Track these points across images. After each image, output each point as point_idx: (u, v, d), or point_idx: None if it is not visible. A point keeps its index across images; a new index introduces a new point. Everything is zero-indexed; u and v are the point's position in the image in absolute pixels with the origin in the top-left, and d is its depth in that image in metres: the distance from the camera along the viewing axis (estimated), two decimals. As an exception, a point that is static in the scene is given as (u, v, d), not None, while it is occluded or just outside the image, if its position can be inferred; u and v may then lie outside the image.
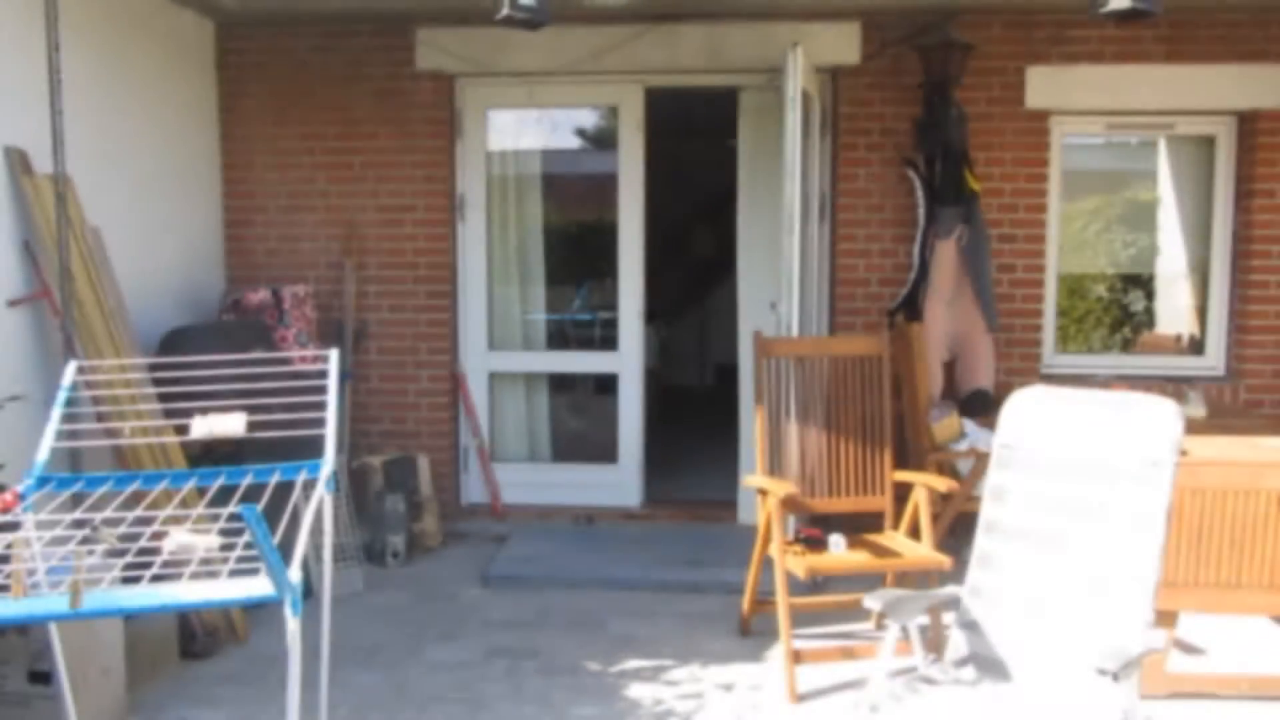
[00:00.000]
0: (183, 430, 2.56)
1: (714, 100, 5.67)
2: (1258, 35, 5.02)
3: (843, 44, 5.14)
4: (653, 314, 5.83)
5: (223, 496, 2.35)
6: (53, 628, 2.50)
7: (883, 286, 5.21)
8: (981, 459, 4.30)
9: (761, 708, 3.43)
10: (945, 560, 3.54)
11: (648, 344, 5.96)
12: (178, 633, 3.74)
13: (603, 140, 6.25)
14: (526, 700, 3.49)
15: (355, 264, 5.38)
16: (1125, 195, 5.69)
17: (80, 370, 2.74)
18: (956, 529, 4.49)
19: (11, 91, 3.74)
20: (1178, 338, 5.56)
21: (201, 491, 2.50)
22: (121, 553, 2.10)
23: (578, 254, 6.79)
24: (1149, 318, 5.75)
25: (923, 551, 3.66)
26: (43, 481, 2.42)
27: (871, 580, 3.99)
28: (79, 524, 2.17)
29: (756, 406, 4.00)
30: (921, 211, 5.00)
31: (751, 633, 4.01)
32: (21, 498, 2.30)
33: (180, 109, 5.04)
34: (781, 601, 3.57)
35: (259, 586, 1.91)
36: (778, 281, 4.66)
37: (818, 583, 4.34)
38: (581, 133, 6.56)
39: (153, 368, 3.88)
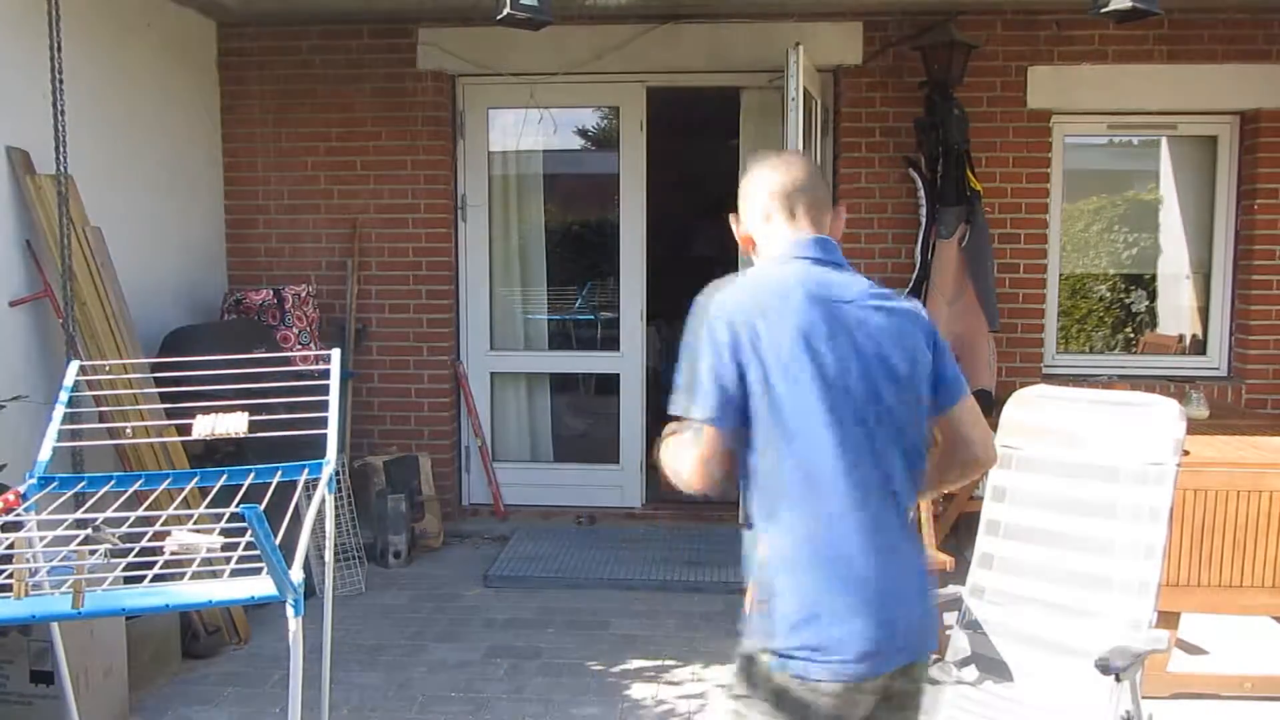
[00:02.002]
0: (185, 430, 2.56)
1: (716, 100, 5.68)
2: (1259, 35, 5.01)
3: (844, 44, 5.14)
4: (654, 314, 5.83)
5: (225, 496, 2.35)
6: (55, 628, 2.50)
7: (884, 286, 5.19)
8: (983, 459, 4.29)
9: (763, 708, 3.43)
10: (947, 560, 3.54)
11: (649, 344, 5.95)
12: (180, 632, 3.74)
13: (604, 140, 6.26)
14: (528, 700, 3.49)
15: (357, 264, 5.38)
16: (1127, 195, 5.69)
17: (82, 370, 2.74)
18: (958, 529, 4.48)
19: (13, 91, 3.74)
20: (1179, 338, 5.55)
21: (203, 491, 2.50)
22: (124, 552, 2.09)
23: (579, 254, 6.79)
24: (1151, 318, 5.74)
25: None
26: (45, 481, 2.42)
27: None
28: (81, 524, 2.16)
29: (758, 406, 4.00)
30: (923, 211, 5.00)
31: (753, 633, 4.01)
32: (24, 497, 2.30)
33: (182, 109, 5.04)
34: (783, 601, 3.56)
35: (261, 586, 1.91)
36: (779, 281, 4.65)
37: (819, 583, 4.33)
38: (583, 133, 6.57)
39: (155, 367, 3.88)
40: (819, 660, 1.61)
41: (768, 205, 1.78)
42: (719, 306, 1.68)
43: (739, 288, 1.71)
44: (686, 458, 1.72)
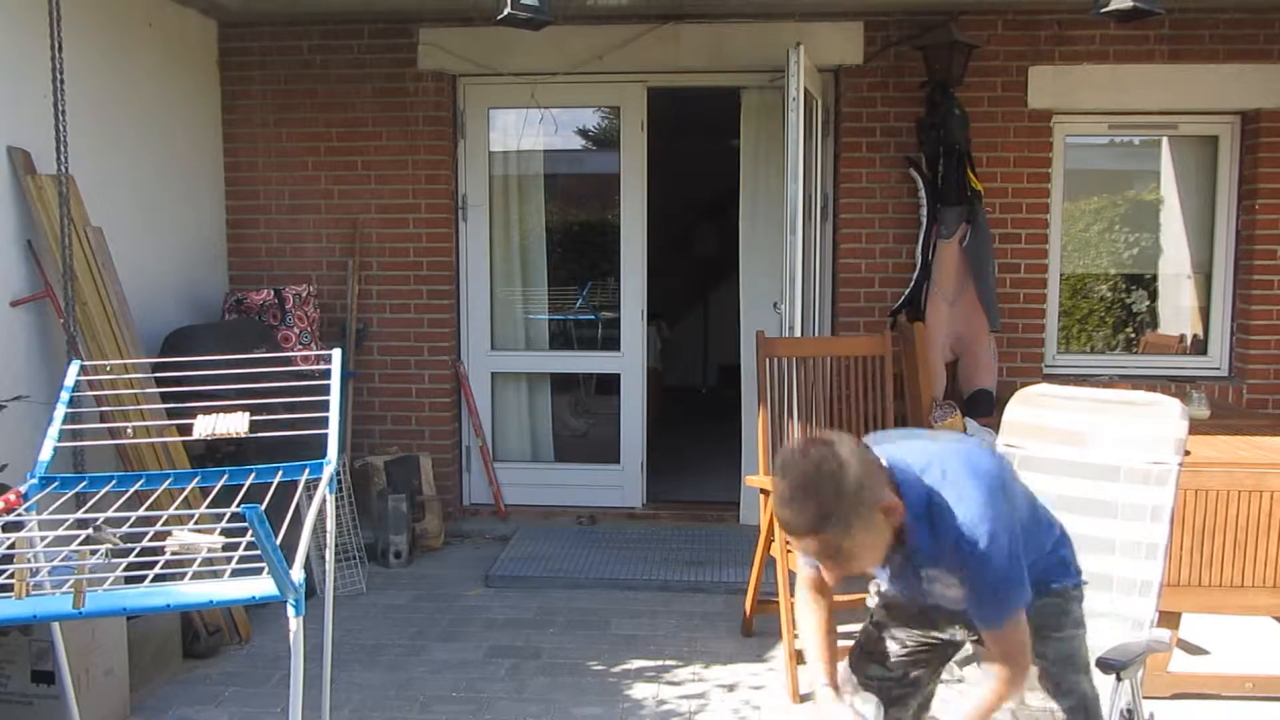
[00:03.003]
0: (185, 430, 2.56)
1: (716, 100, 5.68)
2: (1260, 35, 5.01)
3: (845, 44, 5.14)
4: (655, 314, 5.83)
5: (225, 496, 2.35)
6: (56, 627, 2.50)
7: (885, 286, 5.20)
8: (984, 459, 4.28)
9: (764, 708, 3.43)
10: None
11: (650, 344, 5.95)
12: (181, 633, 3.74)
13: (605, 140, 6.25)
14: (529, 700, 3.49)
15: (358, 264, 5.38)
16: (1128, 195, 5.68)
17: (83, 370, 2.74)
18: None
19: (14, 91, 3.74)
20: (1180, 338, 5.55)
21: (204, 491, 2.50)
22: (124, 552, 2.10)
23: (580, 254, 6.79)
24: (1152, 318, 5.74)
25: (925, 551, 3.65)
26: (46, 481, 2.42)
27: (874, 580, 3.99)
28: (82, 524, 2.16)
29: (759, 406, 4.00)
30: (924, 211, 4.99)
31: (754, 633, 4.01)
32: (25, 497, 2.30)
33: (183, 109, 5.04)
34: (784, 601, 3.57)
35: (262, 586, 1.91)
36: (780, 281, 4.66)
37: (820, 583, 4.33)
38: (584, 133, 6.56)
39: (156, 367, 3.88)
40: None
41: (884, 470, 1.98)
42: (983, 516, 1.92)
43: (969, 492, 1.95)
44: (1025, 657, 2.00)
